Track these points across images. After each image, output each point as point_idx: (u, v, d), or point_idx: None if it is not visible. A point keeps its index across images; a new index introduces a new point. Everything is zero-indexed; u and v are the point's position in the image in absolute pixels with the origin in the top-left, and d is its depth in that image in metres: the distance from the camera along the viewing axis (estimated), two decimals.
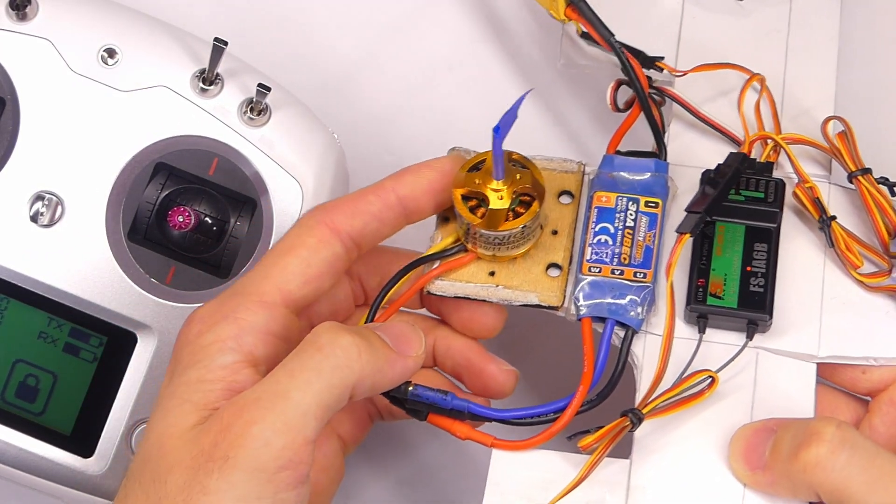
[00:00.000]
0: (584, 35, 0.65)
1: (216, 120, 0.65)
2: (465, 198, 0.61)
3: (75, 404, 0.65)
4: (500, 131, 0.57)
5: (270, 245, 0.65)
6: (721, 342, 0.61)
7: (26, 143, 0.65)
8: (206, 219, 0.65)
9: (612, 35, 0.63)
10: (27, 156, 0.65)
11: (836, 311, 0.62)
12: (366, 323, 0.60)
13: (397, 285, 0.61)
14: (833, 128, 0.64)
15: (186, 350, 0.56)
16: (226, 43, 0.64)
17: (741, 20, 0.68)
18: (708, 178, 0.62)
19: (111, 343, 0.65)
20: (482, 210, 0.60)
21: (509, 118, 0.57)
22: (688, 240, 0.60)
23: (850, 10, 0.70)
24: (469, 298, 0.62)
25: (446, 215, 0.63)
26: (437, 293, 0.62)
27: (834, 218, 0.62)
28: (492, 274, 0.62)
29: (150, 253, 0.65)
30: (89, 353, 0.65)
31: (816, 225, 0.63)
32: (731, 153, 0.63)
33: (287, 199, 0.65)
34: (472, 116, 0.75)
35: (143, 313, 0.64)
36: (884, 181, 0.63)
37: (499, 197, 0.60)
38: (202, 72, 0.65)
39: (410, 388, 0.58)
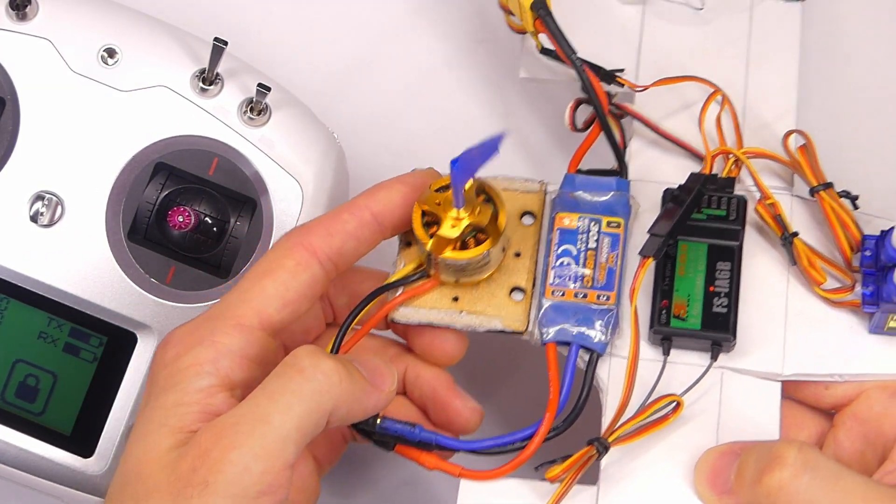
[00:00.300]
0: (544, 51, 0.65)
1: (216, 120, 0.65)
2: (427, 218, 0.60)
3: (75, 404, 0.65)
4: (457, 165, 0.57)
5: (270, 245, 0.65)
6: (686, 363, 0.61)
7: (26, 143, 0.65)
8: (206, 219, 0.65)
9: (575, 52, 0.62)
10: (27, 156, 0.65)
11: (800, 327, 0.62)
12: (332, 351, 0.60)
13: (363, 312, 0.61)
14: (794, 141, 0.64)
15: (163, 373, 0.56)
16: (226, 43, 0.64)
17: (701, 29, 0.68)
18: (671, 195, 0.62)
19: (111, 343, 0.65)
20: (435, 228, 0.60)
21: (475, 155, 0.57)
22: (651, 262, 0.60)
23: (810, 19, 0.69)
24: (433, 325, 0.62)
25: (408, 240, 0.62)
26: (402, 321, 0.61)
27: (796, 234, 0.62)
28: (455, 299, 0.62)
29: (150, 253, 0.65)
30: (89, 353, 0.65)
31: (779, 241, 0.62)
32: (692, 174, 0.62)
33: (287, 199, 0.65)
34: (471, 116, 0.75)
35: (143, 313, 0.64)
36: (845, 195, 0.63)
37: (451, 225, 0.59)
38: (202, 72, 0.65)
39: (379, 421, 0.59)
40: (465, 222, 0.59)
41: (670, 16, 0.68)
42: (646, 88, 0.64)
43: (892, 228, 0.60)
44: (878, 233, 0.61)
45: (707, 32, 0.68)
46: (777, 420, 0.61)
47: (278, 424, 0.53)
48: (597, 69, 0.63)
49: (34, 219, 0.64)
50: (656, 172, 0.65)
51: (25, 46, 0.65)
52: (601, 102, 0.62)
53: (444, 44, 0.75)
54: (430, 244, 0.59)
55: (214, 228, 0.65)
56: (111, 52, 0.65)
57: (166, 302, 0.64)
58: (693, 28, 0.68)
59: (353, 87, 0.75)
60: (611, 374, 0.61)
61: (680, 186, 0.62)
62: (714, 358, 0.60)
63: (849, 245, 0.62)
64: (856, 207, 0.63)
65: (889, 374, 0.61)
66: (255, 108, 0.65)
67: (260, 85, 0.64)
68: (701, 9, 0.68)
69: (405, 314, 0.61)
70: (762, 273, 0.62)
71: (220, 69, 0.65)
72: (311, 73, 0.75)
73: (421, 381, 0.63)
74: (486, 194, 0.61)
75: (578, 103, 0.64)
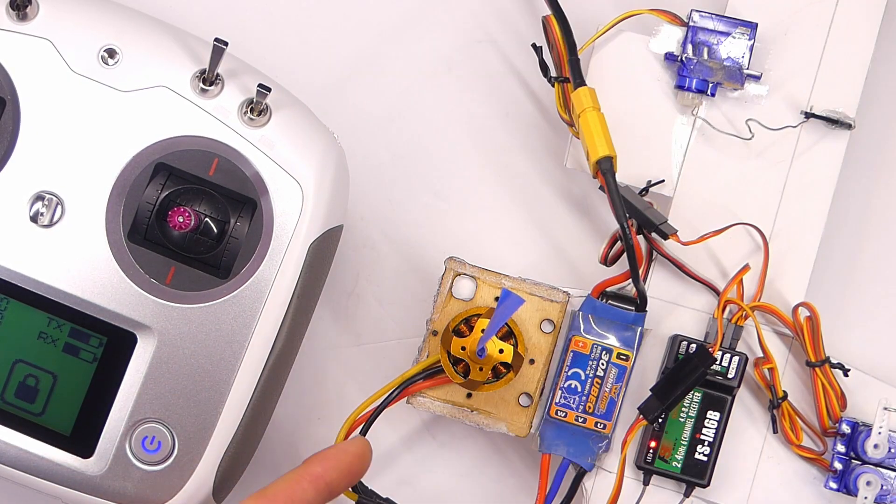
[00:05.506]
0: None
1: (216, 120, 0.65)
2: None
3: (75, 405, 0.65)
4: (483, 354, 0.65)
5: (270, 245, 0.65)
6: (662, 487, 0.68)
7: (26, 143, 0.65)
8: (206, 219, 0.65)
9: (627, 218, 0.65)
10: (27, 156, 0.65)
11: (769, 469, 0.69)
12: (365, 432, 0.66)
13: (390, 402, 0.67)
14: (802, 312, 0.68)
15: None
16: (226, 43, 0.64)
17: (743, 163, 0.70)
18: (676, 358, 0.67)
19: (111, 343, 0.65)
20: (463, 366, 0.66)
21: (497, 321, 0.64)
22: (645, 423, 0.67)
23: (846, 185, 0.72)
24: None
25: (435, 329, 0.67)
26: (419, 408, 0.68)
27: (785, 397, 0.67)
28: (469, 395, 0.68)
29: (150, 253, 0.65)
30: (89, 354, 0.65)
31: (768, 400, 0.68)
32: (700, 350, 0.66)
33: (287, 199, 0.65)
34: (471, 117, 0.75)
35: (143, 313, 0.64)
36: (839, 367, 0.68)
37: (479, 368, 0.66)
38: (202, 72, 0.65)
39: None
40: (491, 366, 0.66)
41: (717, 143, 0.70)
42: (692, 243, 0.67)
43: (869, 431, 0.67)
44: (857, 419, 0.68)
45: (747, 165, 0.70)
46: None
47: None
48: (646, 220, 0.67)
49: (34, 219, 0.64)
50: (676, 296, 0.69)
51: (25, 46, 0.65)
52: (637, 261, 0.66)
53: (444, 44, 0.75)
54: (462, 383, 0.66)
55: (214, 229, 0.65)
56: (111, 53, 0.65)
57: (166, 302, 0.64)
58: (735, 160, 0.70)
59: (353, 87, 0.75)
60: (595, 486, 0.68)
61: (686, 357, 0.67)
62: (687, 495, 0.68)
63: (828, 416, 0.68)
64: (846, 375, 0.68)
65: None
66: (256, 108, 0.65)
67: (260, 85, 0.64)
68: (750, 138, 0.70)
69: (422, 402, 0.68)
70: (746, 421, 0.69)
71: (220, 69, 0.65)
72: (311, 73, 0.74)
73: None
74: (506, 326, 0.66)
75: (614, 241, 0.68)
